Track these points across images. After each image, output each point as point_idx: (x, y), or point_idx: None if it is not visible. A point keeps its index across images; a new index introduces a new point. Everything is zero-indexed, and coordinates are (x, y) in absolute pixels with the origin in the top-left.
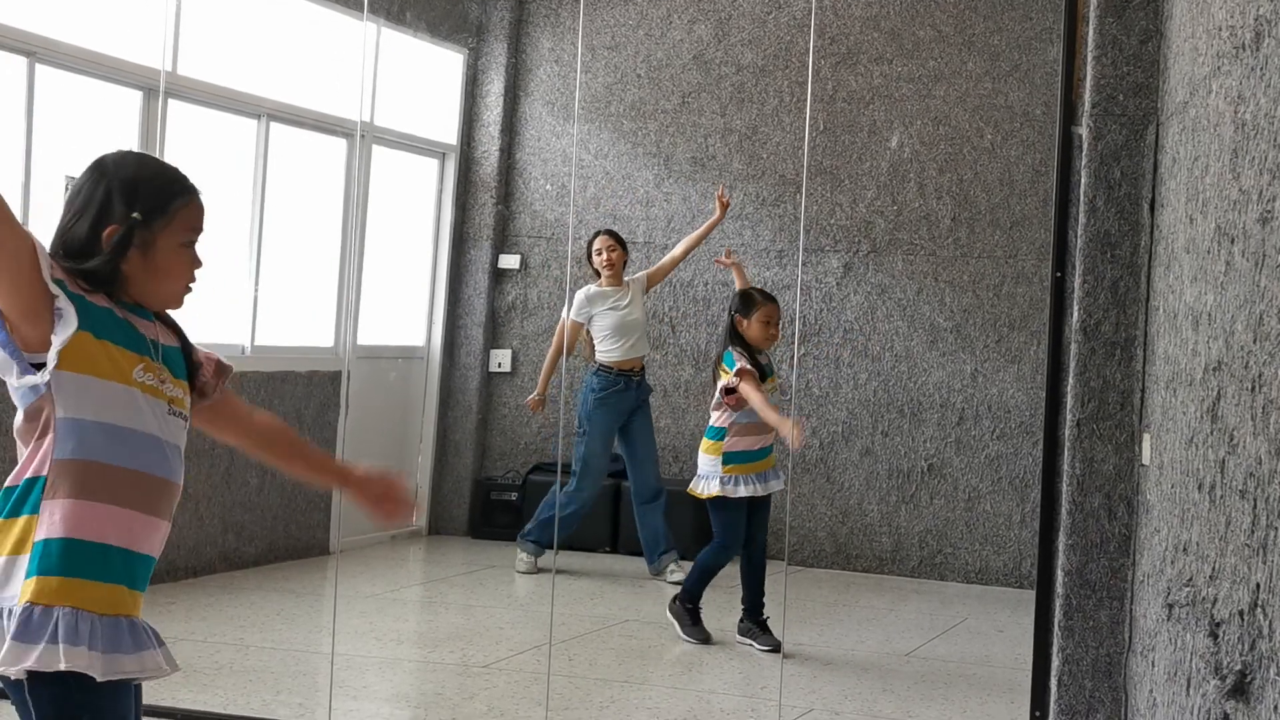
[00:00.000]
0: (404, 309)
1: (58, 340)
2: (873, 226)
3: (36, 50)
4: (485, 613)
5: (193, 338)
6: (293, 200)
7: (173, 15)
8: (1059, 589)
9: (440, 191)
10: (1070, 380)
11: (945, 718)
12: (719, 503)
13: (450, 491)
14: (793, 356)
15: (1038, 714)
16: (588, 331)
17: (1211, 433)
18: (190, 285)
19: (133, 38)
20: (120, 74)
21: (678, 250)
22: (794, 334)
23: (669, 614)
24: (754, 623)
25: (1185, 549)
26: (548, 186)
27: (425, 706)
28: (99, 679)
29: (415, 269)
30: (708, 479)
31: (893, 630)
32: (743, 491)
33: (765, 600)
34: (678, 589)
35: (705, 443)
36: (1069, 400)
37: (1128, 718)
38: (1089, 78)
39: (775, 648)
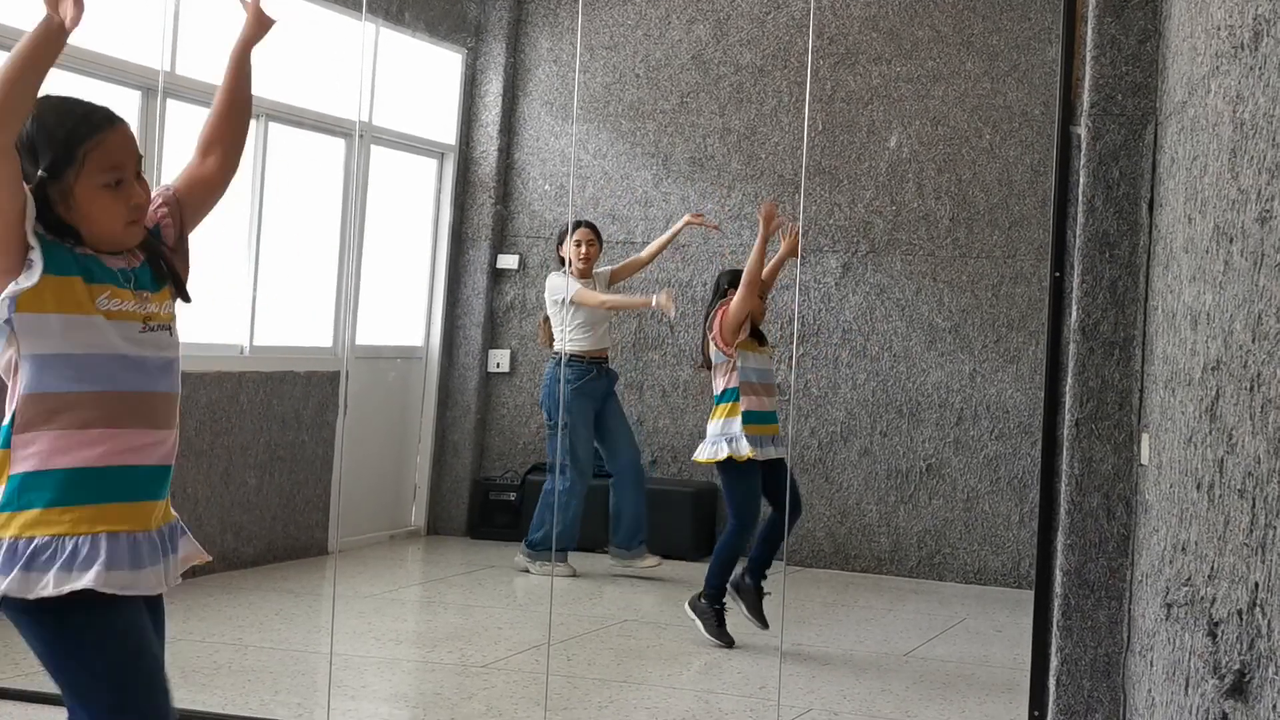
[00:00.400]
0: (402, 309)
1: (16, 286)
2: (871, 227)
3: None
4: (484, 613)
5: (190, 337)
6: (291, 200)
7: (171, 15)
8: (1057, 589)
9: (439, 191)
10: (1069, 380)
11: (944, 718)
12: (737, 472)
13: (449, 491)
14: (791, 357)
15: (1036, 714)
16: (547, 320)
17: (1210, 432)
18: (132, 221)
19: (131, 38)
20: (119, 74)
21: (644, 254)
22: (793, 334)
23: (690, 610)
24: (754, 582)
25: (1184, 548)
26: (546, 186)
27: (424, 706)
28: (97, 589)
29: (414, 269)
30: (736, 439)
31: (891, 630)
32: (759, 453)
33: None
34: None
35: (718, 408)
36: (1067, 400)
37: (1126, 717)
38: (1087, 77)
39: (762, 624)
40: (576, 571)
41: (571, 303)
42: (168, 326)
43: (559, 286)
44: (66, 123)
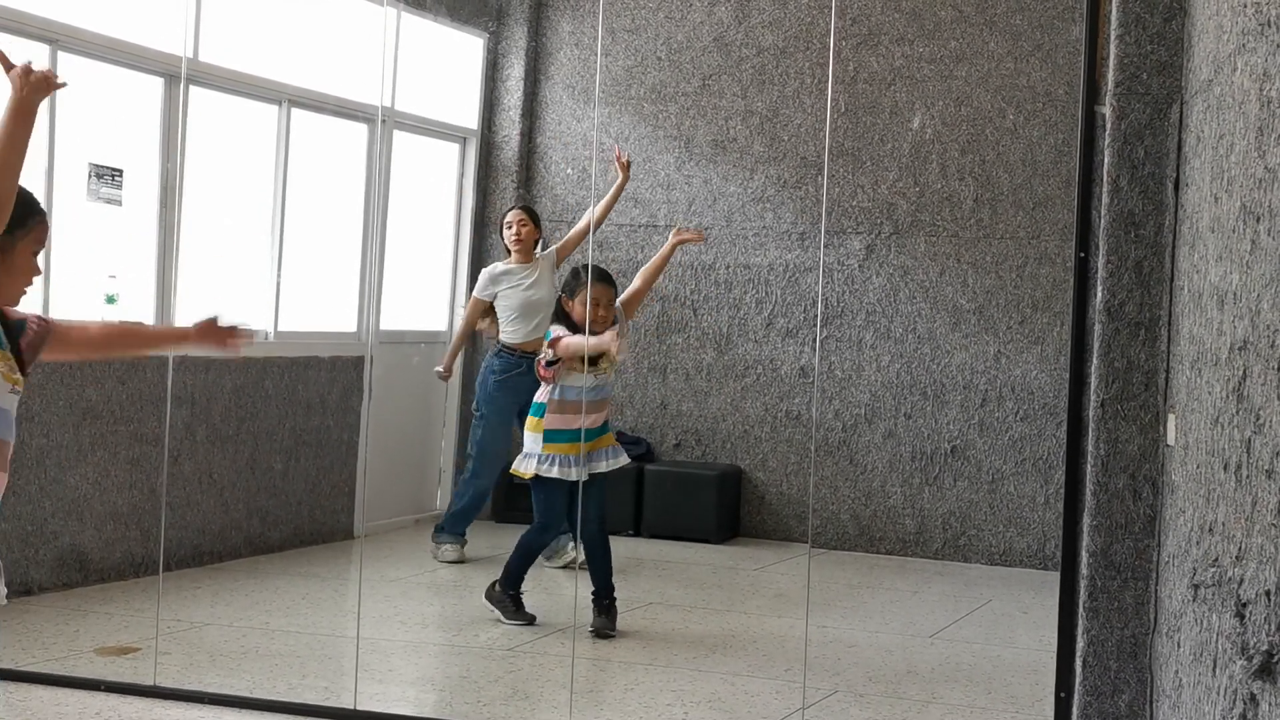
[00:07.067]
0: (426, 294)
1: None
2: (895, 208)
3: (59, 38)
4: None
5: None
6: (314, 186)
7: (194, 1)
8: (1084, 570)
9: (461, 176)
10: (1094, 361)
11: (970, 699)
12: (537, 481)
13: None
14: (815, 339)
15: (1062, 695)
16: (493, 309)
17: (1237, 412)
18: (29, 285)
19: (154, 24)
20: (142, 61)
21: (582, 223)
22: (816, 317)
23: (486, 601)
24: (597, 604)
25: (1211, 529)
26: (568, 170)
27: (450, 690)
28: None
29: (437, 254)
30: (529, 457)
31: (916, 612)
32: (555, 472)
33: (614, 583)
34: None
35: (529, 420)
36: (1093, 381)
37: (1153, 699)
38: (1112, 56)
39: (609, 633)
40: (465, 558)
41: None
42: (14, 389)
43: (491, 276)
44: (27, 200)
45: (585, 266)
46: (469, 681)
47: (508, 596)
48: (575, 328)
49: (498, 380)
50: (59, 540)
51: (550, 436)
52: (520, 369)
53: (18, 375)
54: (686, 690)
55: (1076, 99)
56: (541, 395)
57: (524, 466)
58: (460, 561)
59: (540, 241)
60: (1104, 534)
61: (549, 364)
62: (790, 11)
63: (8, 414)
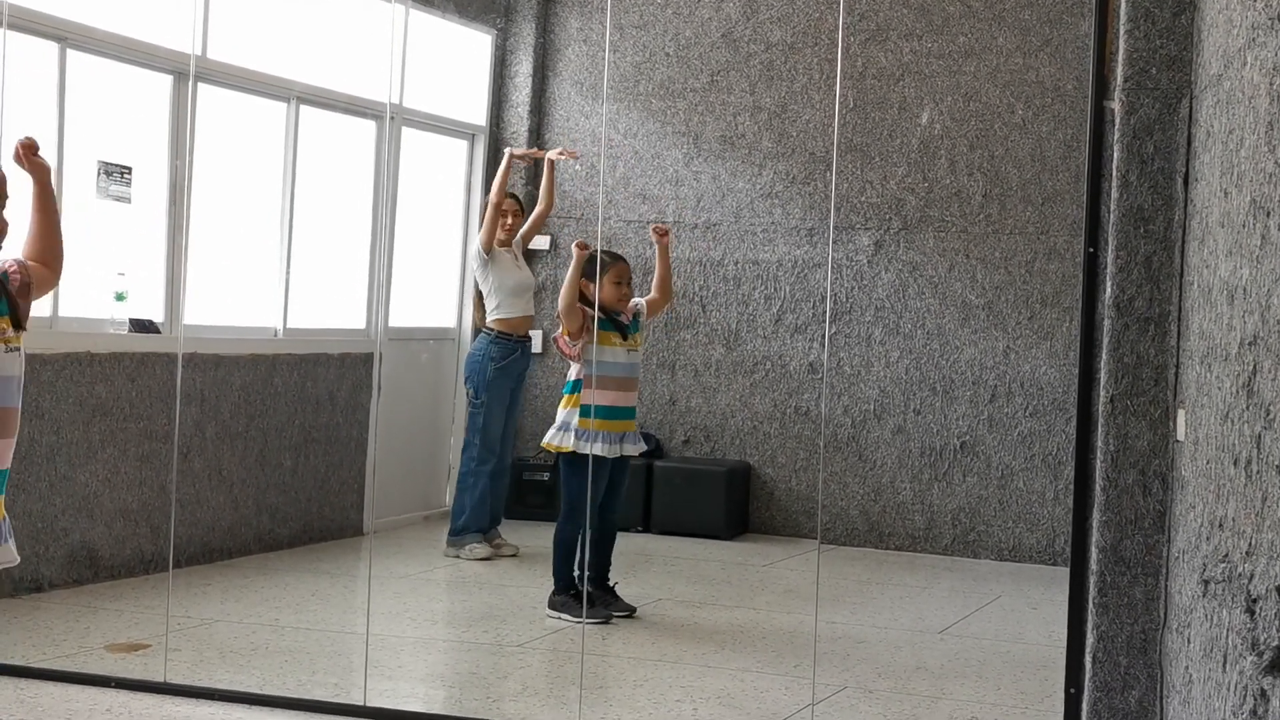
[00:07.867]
0: (435, 290)
1: None
2: (903, 204)
3: (68, 36)
4: (519, 592)
5: (224, 320)
6: (323, 183)
7: None
8: (1093, 566)
9: (470, 173)
10: (1103, 356)
11: (979, 695)
12: (570, 461)
13: None
14: (824, 335)
15: (1072, 691)
16: (479, 294)
17: (1247, 408)
18: None
19: (163, 22)
20: (151, 58)
21: (542, 205)
22: (825, 313)
23: (552, 610)
24: (603, 590)
25: (1221, 525)
26: (577, 167)
27: (460, 686)
28: None
29: (445, 250)
30: (565, 430)
31: (926, 608)
32: (598, 448)
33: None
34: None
35: (564, 398)
36: (1102, 376)
37: (1163, 694)
38: (1121, 51)
39: (630, 611)
40: (492, 555)
41: (487, 252)
42: (15, 348)
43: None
44: None
45: (605, 252)
46: (478, 678)
47: (569, 597)
48: (596, 308)
49: (498, 367)
50: (69, 537)
51: (597, 412)
52: (516, 353)
53: (12, 333)
54: (696, 686)
55: (1085, 94)
56: (574, 374)
57: (558, 440)
58: (489, 559)
59: None
60: (1113, 529)
61: (571, 342)
62: (798, 7)
63: (8, 380)
